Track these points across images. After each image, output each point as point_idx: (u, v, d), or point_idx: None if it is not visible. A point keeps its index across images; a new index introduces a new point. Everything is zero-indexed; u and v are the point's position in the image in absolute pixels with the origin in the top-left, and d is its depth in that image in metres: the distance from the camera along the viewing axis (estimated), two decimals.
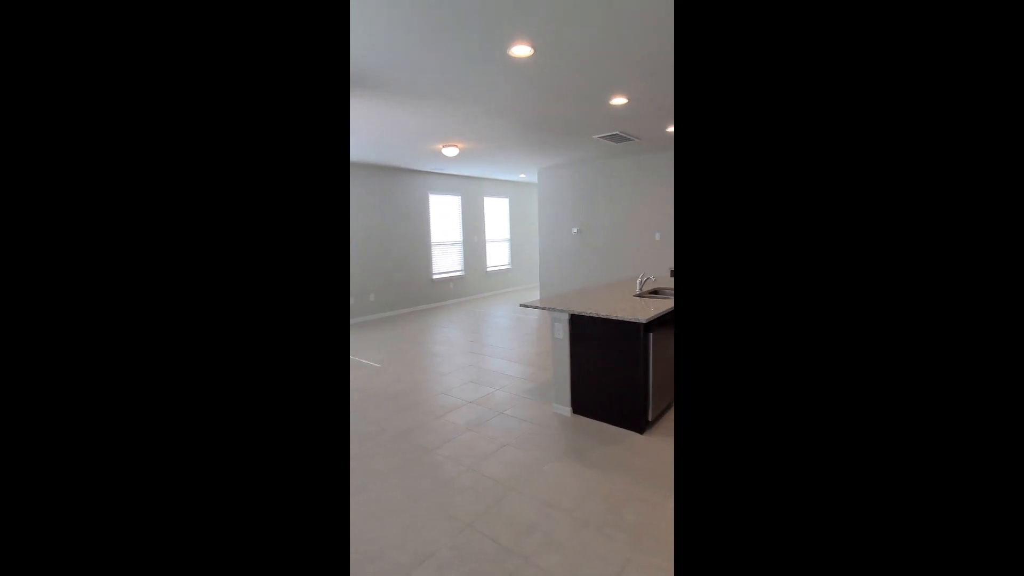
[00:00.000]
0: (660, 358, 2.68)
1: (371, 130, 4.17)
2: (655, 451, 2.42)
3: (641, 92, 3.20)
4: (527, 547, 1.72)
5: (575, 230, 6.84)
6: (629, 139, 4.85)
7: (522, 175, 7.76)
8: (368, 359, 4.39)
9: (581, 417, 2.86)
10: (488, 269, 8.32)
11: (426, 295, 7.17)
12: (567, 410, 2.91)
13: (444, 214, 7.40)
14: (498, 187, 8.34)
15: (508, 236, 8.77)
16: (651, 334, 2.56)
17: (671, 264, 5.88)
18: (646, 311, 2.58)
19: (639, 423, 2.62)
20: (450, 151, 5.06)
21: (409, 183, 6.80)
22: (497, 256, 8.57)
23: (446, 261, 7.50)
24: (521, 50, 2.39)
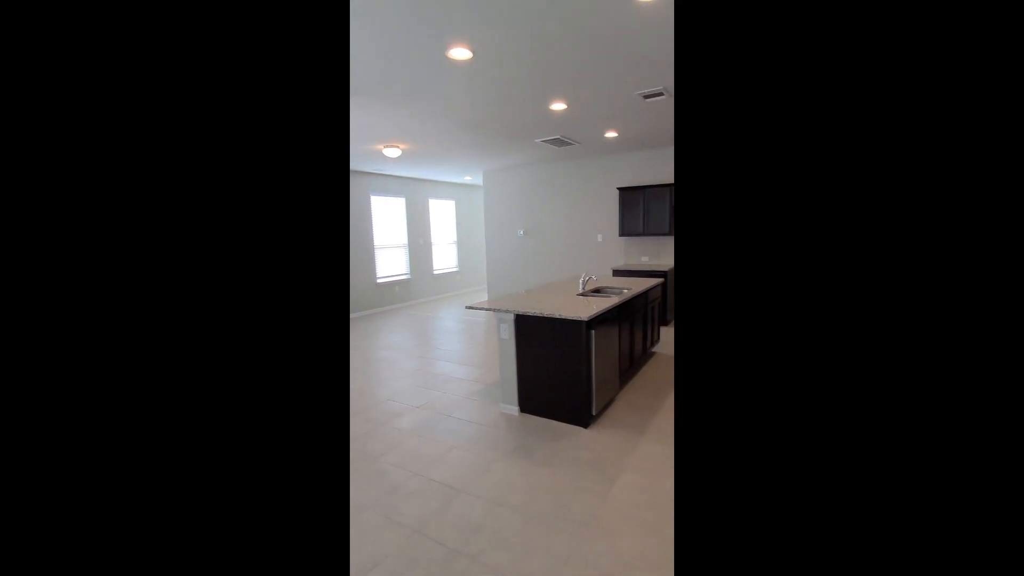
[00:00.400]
0: (602, 354, 2.78)
1: None
2: (599, 444, 2.51)
3: (579, 98, 3.31)
4: (475, 547, 1.72)
5: (521, 232, 6.93)
6: (571, 143, 4.99)
7: (468, 177, 7.75)
8: None
9: (529, 416, 2.91)
10: (435, 272, 8.22)
11: (370, 300, 6.96)
12: (515, 409, 2.95)
13: (388, 216, 7.22)
14: (444, 189, 8.27)
15: (455, 238, 8.71)
16: (593, 331, 2.66)
17: (613, 264, 6.12)
18: (588, 309, 2.67)
19: (584, 418, 2.70)
20: (392, 152, 4.96)
21: (350, 184, 6.58)
22: (444, 259, 8.49)
23: (391, 264, 7.32)
24: (460, 53, 2.40)
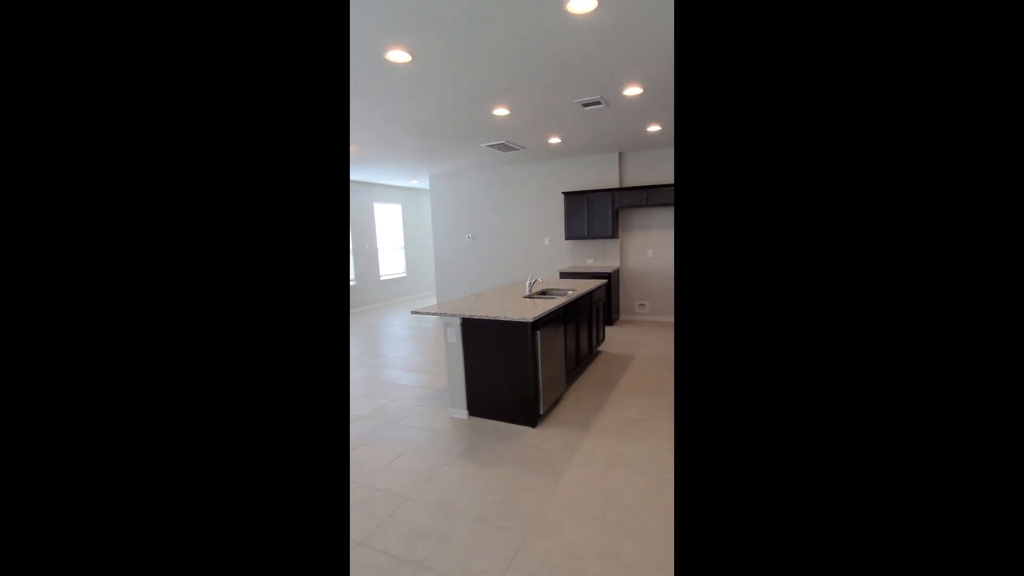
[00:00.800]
0: (549, 354, 2.85)
1: None
2: (547, 442, 2.56)
3: (521, 104, 3.38)
4: (422, 553, 1.70)
5: (469, 236, 6.93)
6: (516, 148, 5.07)
7: (414, 181, 7.64)
8: None
9: (477, 419, 2.91)
10: (382, 278, 8.02)
11: None
12: (463, 413, 2.94)
13: None
14: (389, 192, 8.10)
15: (402, 243, 8.55)
16: (539, 332, 2.71)
17: (561, 266, 6.26)
18: (534, 311, 2.73)
19: (532, 417, 2.74)
20: None
21: None
22: (391, 264, 8.30)
23: None
24: (398, 55, 2.38)
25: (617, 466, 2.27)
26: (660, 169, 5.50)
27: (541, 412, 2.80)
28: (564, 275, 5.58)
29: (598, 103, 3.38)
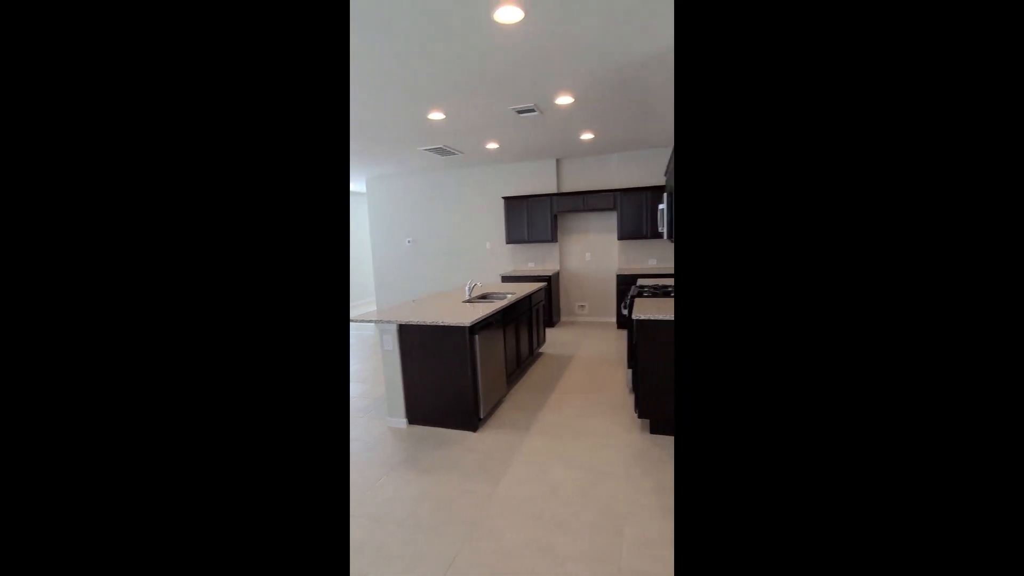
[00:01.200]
0: (488, 358, 2.87)
1: None
2: (486, 445, 2.57)
3: (456, 109, 3.39)
4: (357, 568, 1.65)
5: (409, 241, 6.81)
6: (454, 153, 5.06)
7: (351, 184, 7.39)
8: None
9: (417, 426, 2.87)
10: None
11: None
12: (403, 422, 2.88)
13: None
14: None
15: None
16: (477, 336, 2.72)
17: (502, 270, 6.32)
18: (472, 314, 2.74)
19: (472, 422, 2.75)
20: None
21: None
22: None
23: None
24: None
25: (555, 464, 2.33)
26: (595, 175, 5.73)
27: (481, 416, 2.81)
28: (506, 279, 5.64)
29: (532, 111, 3.47)
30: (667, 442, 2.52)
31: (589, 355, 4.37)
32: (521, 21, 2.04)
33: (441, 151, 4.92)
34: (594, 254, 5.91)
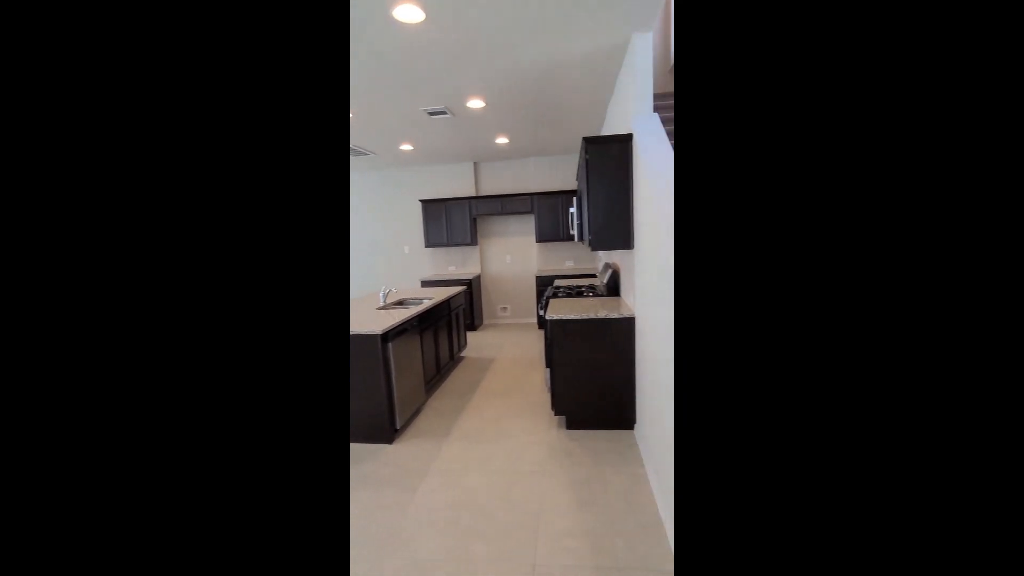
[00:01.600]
0: (404, 366, 2.78)
1: None
2: (403, 457, 2.49)
3: (366, 107, 3.25)
4: None
5: None
6: (367, 153, 4.87)
7: None
8: None
9: None
10: None
11: None
12: None
13: None
14: None
15: None
16: (391, 344, 2.63)
17: (422, 275, 6.19)
18: (386, 322, 2.64)
19: (387, 434, 2.64)
20: None
21: None
22: None
23: None
24: None
25: (472, 469, 2.32)
26: (514, 179, 5.82)
27: (398, 427, 2.72)
28: (426, 283, 5.53)
29: (444, 112, 3.43)
30: (582, 436, 2.62)
31: (510, 357, 4.42)
32: (423, 22, 2.01)
33: (352, 150, 4.71)
34: (514, 257, 6.01)
